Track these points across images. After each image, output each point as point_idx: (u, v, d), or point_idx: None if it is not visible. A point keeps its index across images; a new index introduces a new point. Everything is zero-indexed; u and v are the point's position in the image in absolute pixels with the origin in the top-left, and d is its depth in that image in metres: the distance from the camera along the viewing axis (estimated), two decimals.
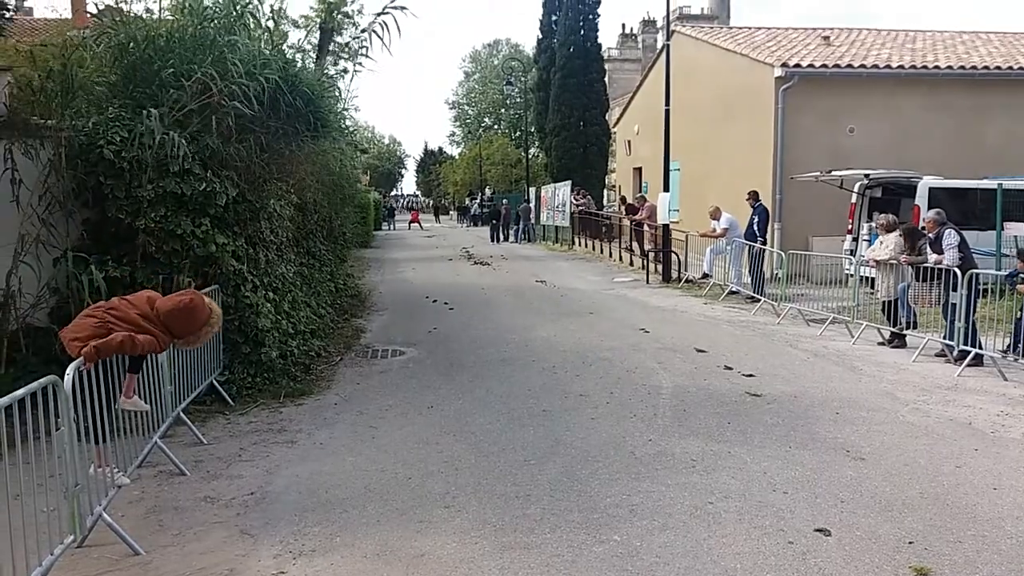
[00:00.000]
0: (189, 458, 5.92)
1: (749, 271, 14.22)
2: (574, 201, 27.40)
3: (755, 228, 14.49)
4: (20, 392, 3.67)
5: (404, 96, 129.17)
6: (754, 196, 14.88)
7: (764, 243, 14.41)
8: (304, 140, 8.73)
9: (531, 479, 5.43)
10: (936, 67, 17.59)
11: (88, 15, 11.48)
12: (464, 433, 6.58)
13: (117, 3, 9.00)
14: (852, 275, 11.52)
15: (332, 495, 5.25)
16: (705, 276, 15.74)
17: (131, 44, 8.00)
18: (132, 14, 8.57)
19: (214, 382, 7.30)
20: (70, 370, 4.23)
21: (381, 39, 9.09)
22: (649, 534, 4.52)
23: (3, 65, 8.28)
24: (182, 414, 6.31)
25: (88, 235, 7.61)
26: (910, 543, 4.38)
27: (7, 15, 7.28)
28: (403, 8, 8.98)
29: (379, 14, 9.13)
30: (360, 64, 9.33)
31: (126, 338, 4.74)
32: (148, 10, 9.21)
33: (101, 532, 4.42)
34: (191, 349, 6.47)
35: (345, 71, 20.07)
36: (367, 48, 9.34)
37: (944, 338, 9.24)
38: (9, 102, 7.71)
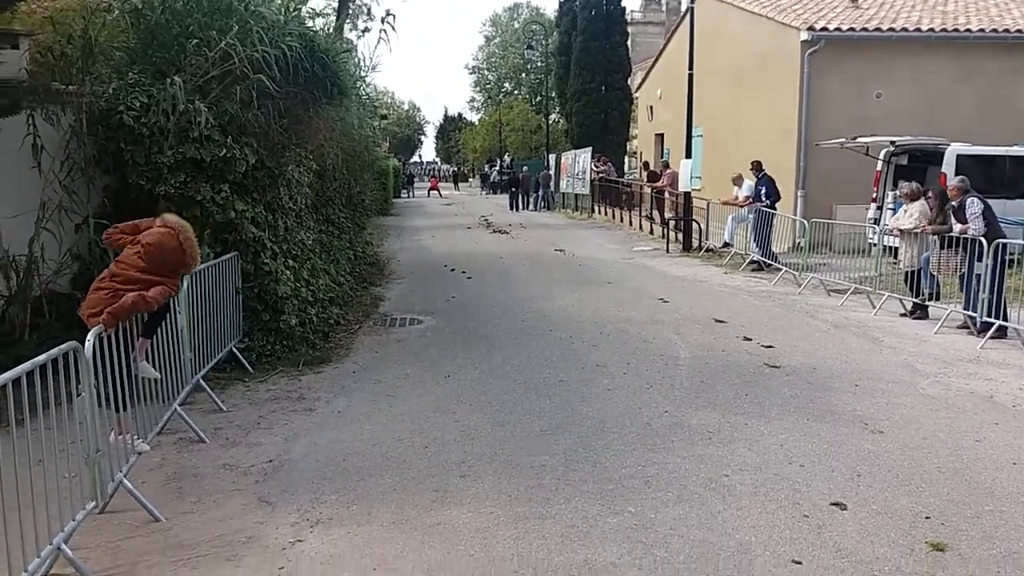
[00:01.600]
0: (209, 425, 5.99)
1: (756, 239, 14.10)
2: (594, 168, 27.18)
3: (763, 198, 14.29)
4: (41, 358, 3.71)
5: (424, 61, 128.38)
6: (757, 167, 14.63)
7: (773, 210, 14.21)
8: (323, 106, 8.69)
9: (546, 449, 5.45)
10: (968, 30, 17.10)
11: None
12: (480, 402, 6.60)
13: None
14: (875, 244, 11.36)
15: (349, 463, 5.30)
16: (726, 245, 15.59)
17: (145, 8, 7.95)
18: None
19: (234, 349, 7.36)
20: (90, 336, 4.27)
21: (387, 41, 9.52)
22: (664, 506, 4.53)
23: (24, 30, 8.27)
24: (202, 381, 6.37)
25: (109, 201, 7.65)
26: (927, 518, 4.35)
27: None
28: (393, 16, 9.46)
29: (383, 19, 9.58)
30: (383, 34, 9.36)
31: (137, 298, 4.84)
32: None
33: (122, 498, 4.49)
34: (211, 314, 6.55)
35: (367, 30, 19.97)
36: (391, 18, 9.44)
37: (964, 309, 9.11)
38: (30, 67, 7.72)
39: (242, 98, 7.58)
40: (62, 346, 3.91)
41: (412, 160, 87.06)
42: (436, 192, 47.45)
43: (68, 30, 7.83)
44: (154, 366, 5.37)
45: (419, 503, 4.65)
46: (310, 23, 10.60)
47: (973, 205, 9.15)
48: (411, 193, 47.92)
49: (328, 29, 11.81)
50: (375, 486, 4.91)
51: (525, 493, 4.73)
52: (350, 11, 18.07)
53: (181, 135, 7.25)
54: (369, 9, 20.10)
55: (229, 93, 7.56)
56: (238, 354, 7.43)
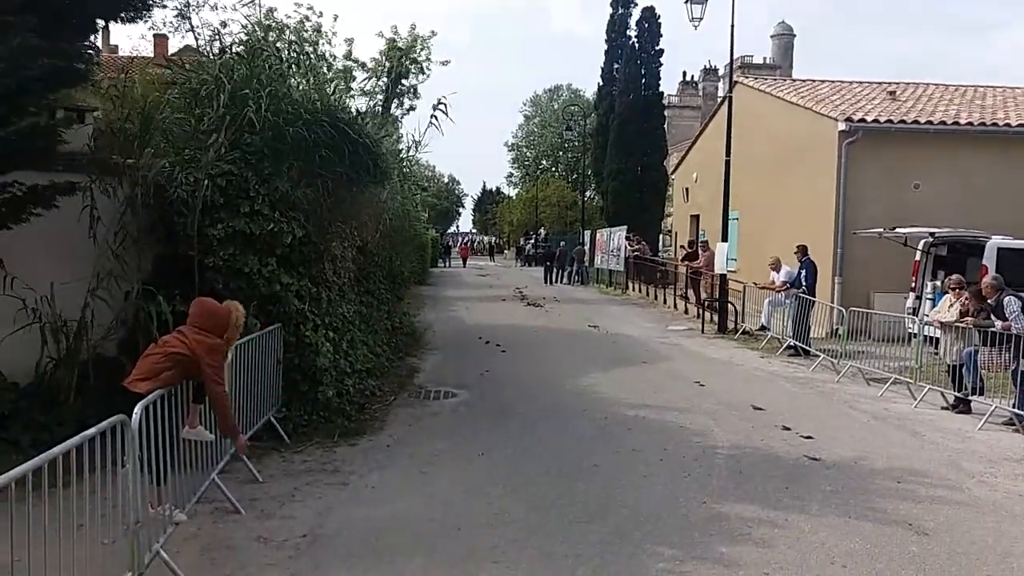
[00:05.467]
0: (244, 496, 6.01)
1: (793, 325, 14.03)
2: (629, 247, 27.34)
3: (803, 282, 14.27)
4: (91, 431, 3.80)
5: (465, 135, 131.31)
6: (802, 251, 14.69)
7: (812, 296, 14.16)
8: (366, 185, 8.94)
9: (582, 538, 5.36)
10: (1007, 125, 17.17)
11: (167, 59, 12.01)
12: (514, 484, 6.54)
13: (197, 47, 9.39)
14: (915, 334, 11.20)
15: (382, 542, 5.27)
16: (763, 328, 15.48)
17: (203, 89, 8.31)
18: (206, 57, 8.88)
19: (272, 419, 7.43)
20: (138, 409, 4.35)
21: (439, 126, 9.99)
22: None
23: (89, 106, 8.70)
24: None
25: (158, 270, 7.87)
26: None
27: (95, 62, 7.65)
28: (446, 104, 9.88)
29: (435, 105, 10.06)
30: (434, 119, 9.78)
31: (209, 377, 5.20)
32: (223, 49, 9.56)
33: (157, 568, 4.49)
34: (251, 384, 6.64)
35: (412, 108, 20.75)
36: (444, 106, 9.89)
37: (1013, 406, 8.90)
38: (93, 141, 8.09)
39: (292, 176, 7.86)
40: (111, 419, 3.99)
41: (450, 230, 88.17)
42: (461, 262, 48.20)
43: (130, 106, 8.22)
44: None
45: None
46: (359, 101, 11.09)
47: (1011, 304, 9.07)
48: (448, 263, 48.64)
49: (376, 108, 12.22)
50: (407, 568, 4.87)
51: None
52: (398, 92, 18.73)
53: (231, 209, 7.50)
54: (415, 88, 20.79)
55: (279, 169, 7.83)
56: (276, 424, 7.49)
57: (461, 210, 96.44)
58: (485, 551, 5.14)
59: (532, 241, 49.74)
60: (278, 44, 9.24)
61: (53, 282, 7.29)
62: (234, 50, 8.86)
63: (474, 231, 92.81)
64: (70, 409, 7.15)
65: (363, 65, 20.22)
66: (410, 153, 11.05)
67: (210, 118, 7.97)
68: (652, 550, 5.17)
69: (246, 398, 6.59)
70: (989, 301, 9.48)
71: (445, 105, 10.01)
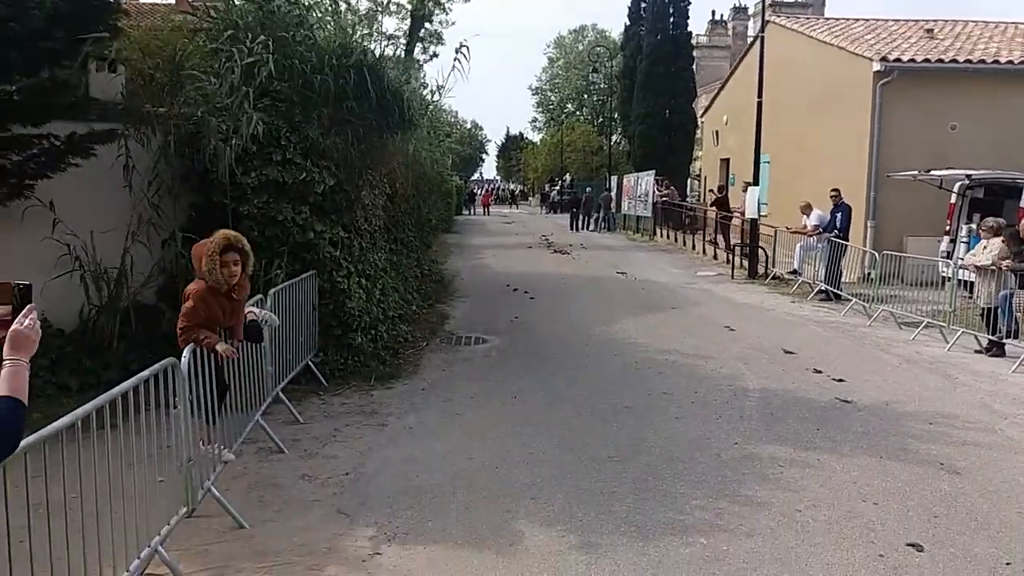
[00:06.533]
0: (287, 436, 6.20)
1: (826, 268, 13.92)
2: (657, 192, 27.11)
3: (837, 225, 14.12)
4: (145, 373, 3.92)
5: (487, 79, 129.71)
6: (838, 194, 14.49)
7: (846, 240, 14.01)
8: (394, 132, 8.92)
9: (616, 476, 5.49)
10: None
11: (191, 5, 11.91)
12: (547, 425, 6.67)
13: None
14: (949, 278, 11.11)
15: (422, 480, 5.43)
16: (794, 273, 15.39)
17: (223, 36, 8.25)
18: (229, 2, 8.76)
19: (310, 363, 7.59)
20: (186, 353, 4.49)
21: (462, 71, 9.70)
22: (736, 539, 4.53)
23: (120, 56, 8.72)
24: (281, 393, 6.59)
25: (194, 218, 7.98)
26: (1008, 564, 4.27)
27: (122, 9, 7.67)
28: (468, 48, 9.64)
29: (457, 49, 9.77)
30: (457, 63, 9.53)
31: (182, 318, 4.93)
32: None
33: (208, 504, 4.68)
34: (289, 329, 6.77)
35: (435, 55, 20.44)
36: (466, 49, 9.65)
37: None
38: (125, 91, 8.14)
39: (322, 123, 7.87)
40: (162, 362, 4.12)
41: (473, 178, 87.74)
42: (484, 209, 48.15)
43: (158, 55, 8.22)
44: (239, 378, 5.55)
45: (491, 523, 4.74)
46: (381, 45, 10.97)
47: None
48: (472, 211, 48.62)
49: (399, 53, 12.08)
50: (448, 503, 5.03)
51: (596, 519, 4.79)
52: (421, 36, 18.49)
53: (264, 158, 7.54)
54: (439, 34, 20.52)
55: (309, 117, 7.85)
56: (314, 368, 7.66)
57: (484, 157, 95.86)
58: (523, 487, 5.28)
59: (557, 187, 49.47)
60: None
61: (92, 231, 7.44)
62: None
63: (498, 178, 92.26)
64: (114, 354, 7.37)
65: (386, 7, 19.98)
66: (434, 98, 10.89)
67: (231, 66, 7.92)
68: (685, 488, 5.28)
69: (285, 343, 6.73)
70: None
71: (467, 49, 9.82)
